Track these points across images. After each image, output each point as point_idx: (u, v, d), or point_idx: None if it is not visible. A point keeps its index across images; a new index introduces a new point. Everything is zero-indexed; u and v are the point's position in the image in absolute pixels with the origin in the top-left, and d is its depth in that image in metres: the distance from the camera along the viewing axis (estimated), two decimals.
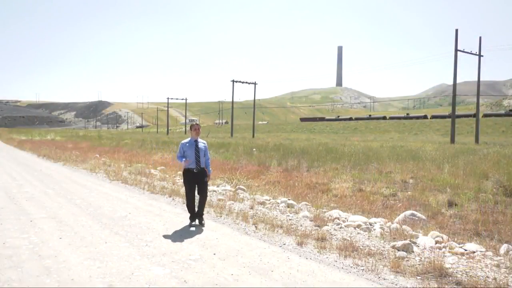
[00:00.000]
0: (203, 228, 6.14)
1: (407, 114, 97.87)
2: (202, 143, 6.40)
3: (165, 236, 5.64)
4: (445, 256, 4.73)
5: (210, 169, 6.54)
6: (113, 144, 29.74)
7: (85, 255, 4.65)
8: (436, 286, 3.89)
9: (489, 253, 4.78)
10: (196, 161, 6.22)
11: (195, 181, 6.28)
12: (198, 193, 6.34)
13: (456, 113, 37.43)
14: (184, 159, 6.22)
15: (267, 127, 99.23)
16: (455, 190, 8.87)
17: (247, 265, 4.45)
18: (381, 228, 6.01)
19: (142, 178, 11.97)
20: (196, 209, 6.37)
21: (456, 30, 33.79)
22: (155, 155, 19.30)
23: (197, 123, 6.58)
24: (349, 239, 5.49)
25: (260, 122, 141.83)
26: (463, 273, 4.19)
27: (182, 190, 10.41)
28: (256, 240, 5.51)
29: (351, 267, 4.47)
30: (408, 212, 6.68)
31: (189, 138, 6.43)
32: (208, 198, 9.25)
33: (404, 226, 5.97)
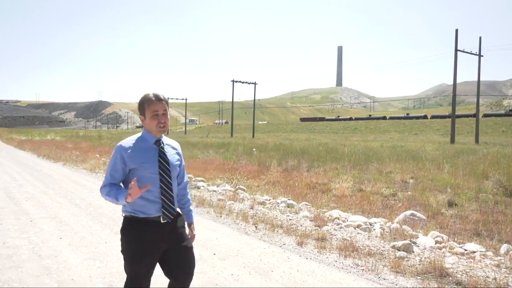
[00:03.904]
0: None
1: (407, 114, 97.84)
2: (171, 147, 2.51)
3: None
4: (445, 256, 4.73)
5: (191, 208, 2.69)
6: (113, 144, 29.73)
7: (85, 255, 4.65)
8: (436, 286, 3.89)
9: (489, 253, 4.78)
10: (165, 197, 2.37)
11: (160, 248, 2.37)
12: (171, 275, 2.47)
13: (456, 113, 37.42)
14: (110, 196, 2.27)
15: (267, 127, 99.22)
16: (455, 190, 8.88)
17: (247, 265, 4.45)
18: (381, 228, 6.00)
19: None
20: None
21: (456, 30, 33.82)
22: None
23: (161, 95, 2.36)
24: (349, 239, 5.49)
25: (260, 122, 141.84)
26: (463, 273, 4.19)
27: None
28: (256, 240, 5.51)
29: (351, 267, 4.46)
30: (408, 212, 6.68)
31: (138, 135, 2.43)
32: (208, 198, 9.24)
33: (404, 226, 5.97)
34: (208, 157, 17.93)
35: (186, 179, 2.68)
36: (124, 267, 2.38)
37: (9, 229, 5.83)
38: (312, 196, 8.77)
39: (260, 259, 4.66)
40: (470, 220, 6.45)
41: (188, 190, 2.70)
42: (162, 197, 2.35)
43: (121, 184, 2.38)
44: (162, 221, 2.34)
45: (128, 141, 2.37)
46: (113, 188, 2.29)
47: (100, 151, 22.65)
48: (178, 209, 2.56)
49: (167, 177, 2.37)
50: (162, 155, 2.38)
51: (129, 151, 2.31)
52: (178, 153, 2.55)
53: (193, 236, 2.64)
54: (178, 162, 2.51)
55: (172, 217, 2.40)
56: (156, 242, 2.33)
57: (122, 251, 2.36)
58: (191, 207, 2.68)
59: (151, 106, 2.32)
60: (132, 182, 2.17)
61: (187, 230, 2.59)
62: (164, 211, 2.35)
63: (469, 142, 34.89)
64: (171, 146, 2.52)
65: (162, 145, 2.41)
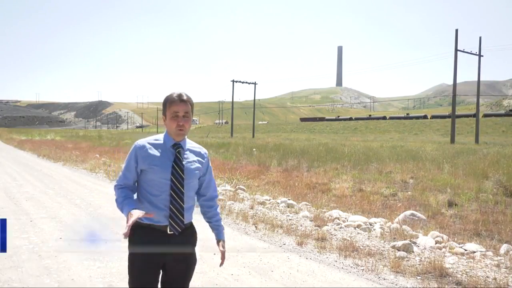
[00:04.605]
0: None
1: (407, 114, 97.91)
2: (195, 153, 2.26)
3: None
4: (445, 256, 4.73)
5: (222, 223, 2.44)
6: (113, 144, 29.73)
7: (85, 255, 4.65)
8: (436, 286, 3.89)
9: (489, 253, 4.79)
10: (174, 207, 2.12)
11: (164, 261, 2.16)
12: None
13: (456, 113, 37.44)
14: (117, 203, 2.13)
15: (267, 127, 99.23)
16: (455, 190, 8.87)
17: (247, 265, 4.45)
18: (381, 228, 6.00)
19: None
20: None
21: (456, 30, 33.82)
22: None
23: (185, 95, 2.17)
24: (349, 239, 5.49)
25: (260, 122, 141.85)
26: (463, 273, 4.19)
27: None
28: (256, 240, 5.51)
29: (351, 267, 4.47)
30: (408, 212, 6.68)
31: (158, 135, 2.26)
32: None
33: (404, 226, 5.98)
34: None
35: (213, 192, 2.37)
36: (128, 281, 2.19)
37: (9, 229, 5.83)
38: (312, 196, 8.77)
39: (260, 259, 4.66)
40: (470, 220, 6.45)
41: (216, 204, 2.40)
42: (171, 206, 2.12)
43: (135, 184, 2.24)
44: (168, 231, 2.12)
45: (146, 140, 2.20)
46: (123, 194, 2.14)
47: (100, 151, 22.64)
48: (193, 222, 2.29)
49: (178, 185, 2.13)
50: (177, 160, 2.15)
51: (143, 150, 2.15)
52: (200, 161, 2.26)
53: (222, 253, 2.36)
54: (198, 171, 2.23)
55: (180, 230, 2.15)
56: (160, 254, 2.12)
57: (130, 264, 2.17)
58: (222, 223, 2.41)
59: (172, 107, 2.14)
60: (130, 223, 1.91)
61: (197, 250, 2.31)
62: (171, 221, 2.12)
63: (469, 142, 34.89)
64: (195, 153, 2.26)
65: (180, 149, 2.18)
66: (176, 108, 2.13)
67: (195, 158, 2.24)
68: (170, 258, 2.15)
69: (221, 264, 2.37)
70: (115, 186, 2.20)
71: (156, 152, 2.15)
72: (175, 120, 2.14)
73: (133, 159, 2.16)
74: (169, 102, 2.16)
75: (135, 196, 2.20)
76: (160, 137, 2.22)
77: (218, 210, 2.41)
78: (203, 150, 2.33)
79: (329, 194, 9.08)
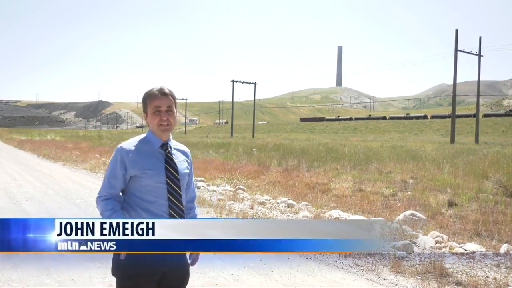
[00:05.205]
0: None
1: (407, 114, 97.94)
2: (181, 153, 2.13)
3: None
4: (445, 256, 4.74)
5: (196, 213, 2.24)
6: (113, 144, 29.71)
7: (85, 255, 4.65)
8: (436, 286, 3.89)
9: (489, 253, 4.79)
10: (175, 212, 1.99)
11: (160, 273, 1.95)
12: None
13: (456, 113, 37.45)
14: (103, 217, 1.86)
15: (267, 127, 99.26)
16: (455, 190, 8.87)
17: (247, 265, 4.45)
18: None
19: None
20: None
21: (456, 30, 33.83)
22: None
23: (167, 89, 2.00)
24: None
25: (260, 122, 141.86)
26: (463, 273, 4.19)
27: None
28: None
29: (351, 267, 4.47)
30: (408, 212, 6.69)
31: (141, 136, 2.07)
32: (208, 198, 9.17)
33: (404, 226, 5.98)
34: (208, 157, 17.94)
35: (193, 192, 2.20)
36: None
37: None
38: (312, 196, 8.77)
39: (260, 259, 4.66)
40: (470, 220, 6.45)
41: (195, 205, 2.24)
42: (171, 211, 1.96)
43: (121, 193, 2.03)
44: None
45: (130, 143, 2.00)
46: (109, 207, 1.91)
47: (100, 151, 22.68)
48: None
49: (176, 188, 1.98)
50: (169, 161, 2.00)
51: (130, 154, 1.95)
52: (187, 161, 2.14)
53: (194, 259, 2.14)
54: (187, 171, 2.09)
55: None
56: (156, 265, 1.90)
57: (114, 274, 1.92)
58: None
59: (153, 102, 1.97)
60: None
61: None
62: None
63: (469, 142, 34.89)
64: (181, 152, 2.13)
65: (169, 149, 2.04)
66: (158, 102, 1.96)
67: (183, 158, 2.12)
68: (167, 268, 1.96)
69: (192, 265, 2.15)
70: (98, 198, 1.97)
71: (145, 155, 1.97)
72: (157, 115, 1.97)
73: (120, 165, 1.95)
74: (149, 97, 1.99)
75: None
76: (145, 138, 2.04)
77: (196, 211, 2.22)
78: (187, 149, 2.21)
79: (329, 194, 9.08)
